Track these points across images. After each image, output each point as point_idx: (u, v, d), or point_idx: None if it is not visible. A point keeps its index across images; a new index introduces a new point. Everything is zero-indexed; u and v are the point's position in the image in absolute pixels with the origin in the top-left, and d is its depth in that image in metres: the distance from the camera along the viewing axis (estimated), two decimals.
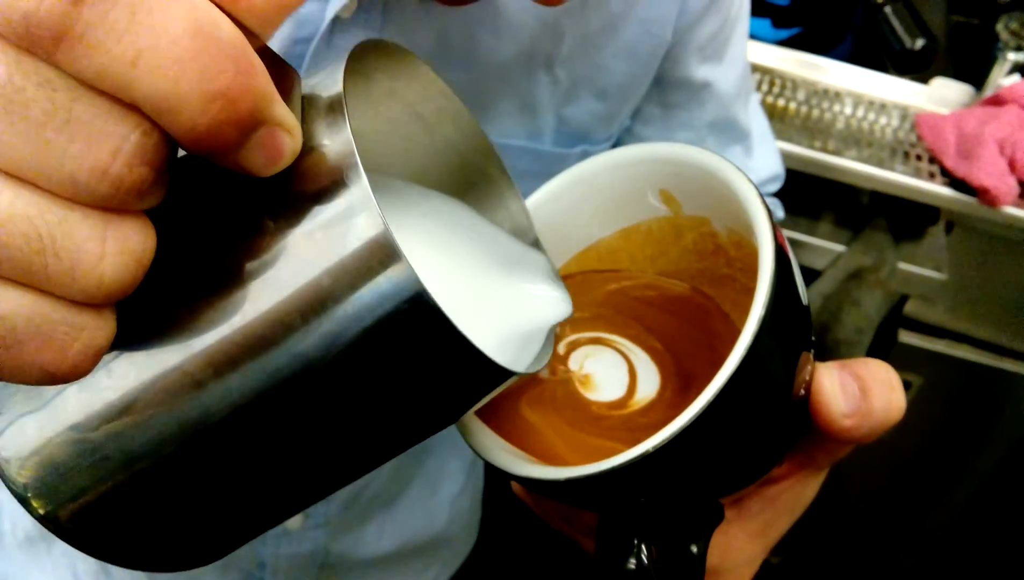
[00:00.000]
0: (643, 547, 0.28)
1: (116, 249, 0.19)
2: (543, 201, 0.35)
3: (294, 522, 0.58)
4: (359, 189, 0.21)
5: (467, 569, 0.78)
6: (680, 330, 0.34)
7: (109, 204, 0.19)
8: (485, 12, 0.43)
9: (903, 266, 1.10)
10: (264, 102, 0.19)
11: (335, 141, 0.21)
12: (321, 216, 0.21)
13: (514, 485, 0.41)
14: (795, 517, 0.35)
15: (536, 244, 0.33)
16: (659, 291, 0.36)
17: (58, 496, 0.23)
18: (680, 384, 0.32)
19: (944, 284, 1.10)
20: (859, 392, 0.29)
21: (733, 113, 0.59)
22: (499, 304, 0.30)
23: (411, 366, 0.23)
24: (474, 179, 0.33)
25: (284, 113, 0.20)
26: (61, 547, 0.65)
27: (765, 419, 0.28)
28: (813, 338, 0.30)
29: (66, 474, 0.23)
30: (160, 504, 0.24)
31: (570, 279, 0.36)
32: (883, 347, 1.21)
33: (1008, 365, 1.21)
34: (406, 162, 0.32)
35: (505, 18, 0.43)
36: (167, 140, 0.19)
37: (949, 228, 1.15)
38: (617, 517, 0.29)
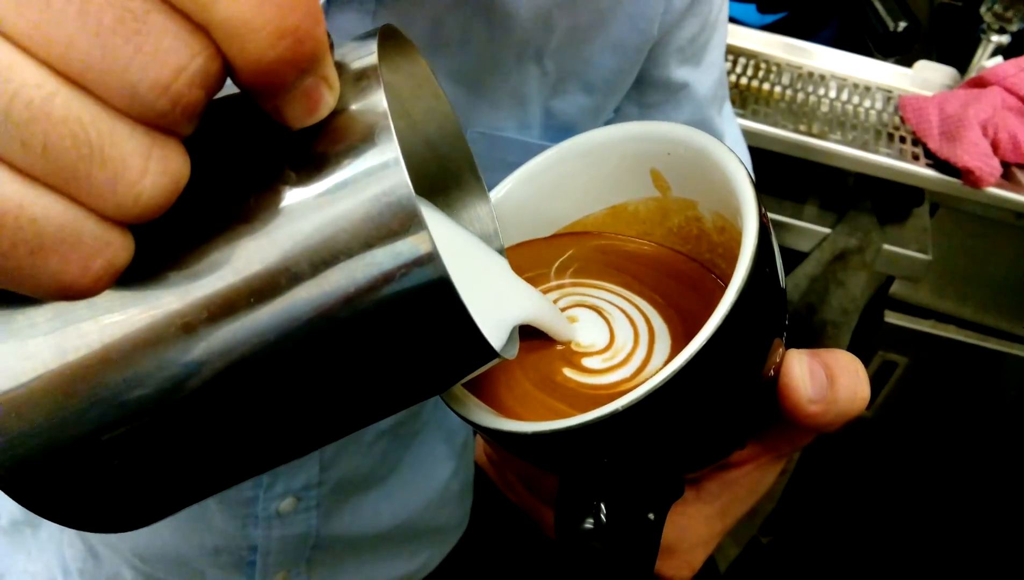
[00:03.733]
0: (602, 507, 0.28)
1: (159, 169, 0.19)
2: (534, 172, 0.35)
3: (286, 505, 0.58)
4: (390, 151, 0.21)
5: (458, 554, 0.79)
6: (671, 288, 0.34)
7: (160, 122, 0.19)
8: (479, 1, 0.43)
9: (888, 247, 1.11)
10: (322, 51, 0.20)
11: (367, 104, 0.22)
12: (346, 173, 0.21)
13: (478, 454, 0.41)
14: (751, 504, 0.36)
15: (501, 252, 0.34)
16: (652, 253, 0.36)
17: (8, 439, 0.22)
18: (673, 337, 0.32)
19: (929, 265, 1.11)
20: (826, 380, 0.30)
21: (708, 116, 0.60)
22: (483, 293, 0.30)
23: (407, 333, 0.23)
24: (448, 183, 0.34)
25: (331, 68, 0.21)
26: (47, 531, 0.64)
27: (733, 394, 0.28)
28: (787, 323, 0.30)
29: (23, 415, 0.22)
30: (123, 457, 0.23)
31: (559, 237, 0.36)
32: (869, 328, 1.22)
33: (992, 344, 1.23)
34: None
35: (499, 8, 0.44)
36: (225, 70, 0.19)
37: (933, 209, 1.16)
38: (579, 477, 0.29)
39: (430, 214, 0.31)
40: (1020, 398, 1.28)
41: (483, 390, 0.31)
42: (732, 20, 1.26)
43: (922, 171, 1.05)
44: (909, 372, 1.26)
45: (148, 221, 0.20)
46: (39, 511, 0.24)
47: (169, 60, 0.18)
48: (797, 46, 1.22)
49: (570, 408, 0.30)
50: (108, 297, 0.21)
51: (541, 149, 0.36)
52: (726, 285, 0.33)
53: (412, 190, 0.21)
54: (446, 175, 0.33)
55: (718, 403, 0.28)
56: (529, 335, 0.33)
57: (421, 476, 0.68)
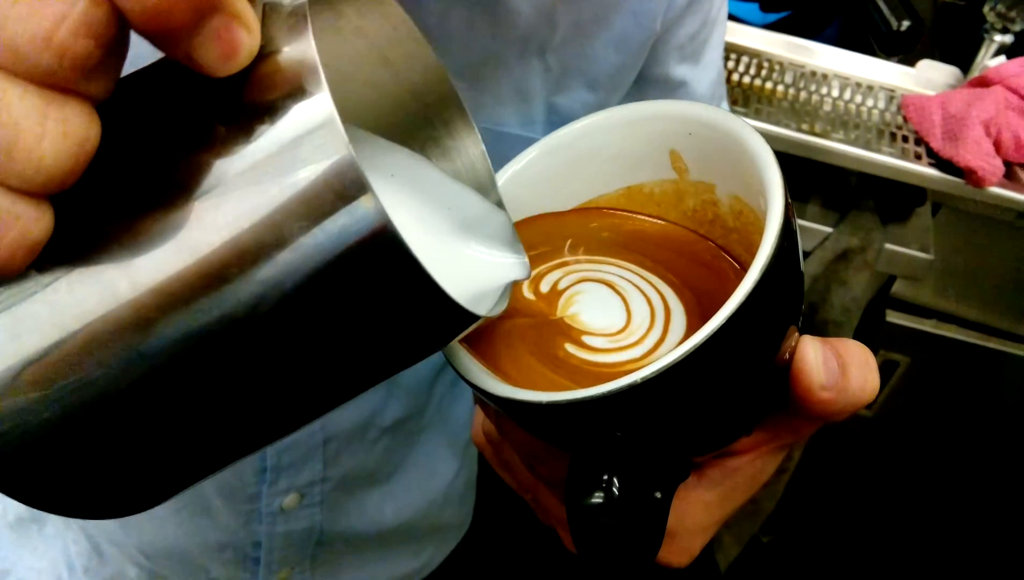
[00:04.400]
0: (615, 482, 0.28)
1: (57, 131, 0.18)
2: (556, 146, 0.35)
3: (290, 501, 0.58)
4: (320, 100, 0.19)
5: (460, 552, 0.79)
6: (686, 268, 0.34)
7: (51, 80, 0.17)
8: None
9: (890, 247, 1.11)
10: None
11: (295, 47, 0.20)
12: (277, 128, 0.20)
13: (474, 431, 0.41)
14: (750, 493, 0.36)
15: (499, 204, 0.32)
16: (668, 233, 0.36)
17: None
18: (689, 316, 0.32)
19: (931, 264, 1.11)
20: (838, 368, 0.30)
21: None
22: (459, 259, 0.29)
23: (366, 298, 0.21)
24: (438, 131, 0.32)
25: (242, 5, 0.19)
26: (53, 528, 0.65)
27: (748, 376, 0.28)
28: (804, 309, 0.30)
29: None
30: (95, 440, 0.22)
31: (573, 213, 0.36)
32: (871, 327, 1.22)
33: (994, 344, 1.23)
34: (370, 109, 0.31)
35: (502, 4, 0.44)
36: (117, 17, 0.17)
37: (936, 209, 1.16)
38: (591, 451, 0.29)
39: (399, 170, 0.29)
40: (1021, 398, 1.29)
41: (486, 361, 0.31)
42: (735, 19, 1.26)
43: (924, 170, 1.05)
44: (910, 371, 1.26)
45: (60, 188, 0.18)
46: (21, 498, 0.23)
47: (48, 9, 0.17)
48: (800, 45, 1.22)
49: (574, 384, 0.30)
50: (54, 276, 0.20)
51: None
52: (741, 268, 0.33)
53: (346, 140, 0.19)
54: (435, 123, 0.32)
55: (733, 383, 0.28)
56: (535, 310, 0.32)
57: (424, 475, 0.68)
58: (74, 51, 0.17)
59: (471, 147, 0.32)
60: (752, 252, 0.31)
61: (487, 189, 0.32)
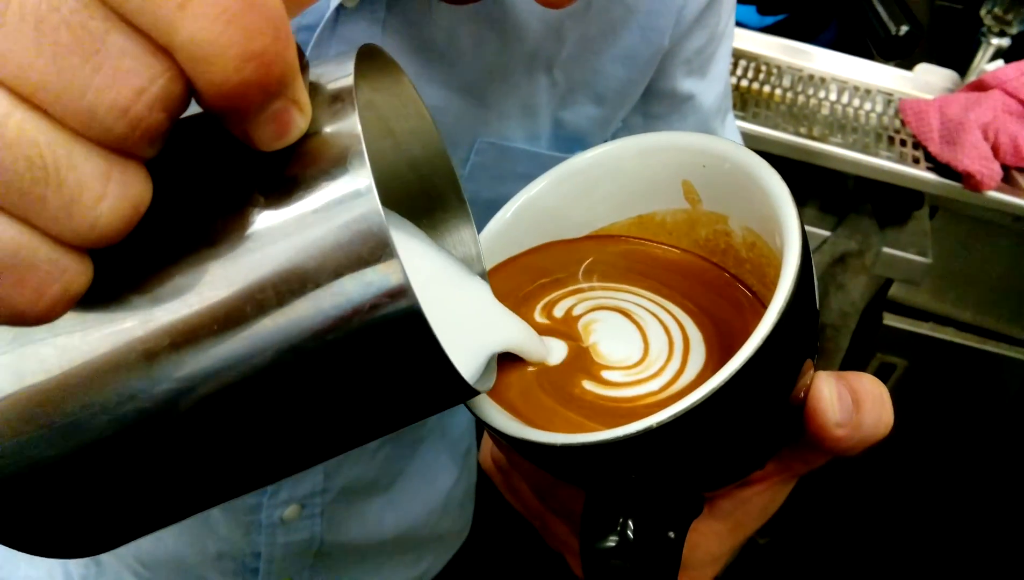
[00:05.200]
0: (629, 524, 0.28)
1: (117, 193, 0.18)
2: (568, 174, 0.35)
3: (290, 512, 0.58)
4: (362, 176, 0.20)
5: (459, 560, 0.79)
6: (702, 295, 0.34)
7: (119, 145, 0.18)
8: (492, 11, 0.43)
9: (888, 250, 1.11)
10: (291, 74, 0.19)
11: (341, 128, 0.21)
12: (316, 198, 0.20)
13: (483, 456, 0.41)
14: (761, 522, 0.36)
15: (483, 276, 0.33)
16: (683, 261, 0.36)
17: None
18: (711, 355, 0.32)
19: (928, 268, 1.11)
20: (852, 405, 0.30)
21: (712, 128, 0.60)
22: (457, 325, 0.29)
23: (377, 364, 0.22)
24: (432, 205, 0.33)
25: (302, 91, 0.20)
26: None
27: (764, 415, 0.28)
28: (819, 345, 0.30)
29: None
30: (83, 483, 0.22)
31: (586, 240, 0.36)
32: (868, 331, 1.22)
33: (991, 347, 1.23)
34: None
35: (511, 18, 0.43)
36: (188, 93, 0.18)
37: (933, 213, 1.16)
38: (605, 491, 0.29)
39: (406, 239, 0.30)
40: (1019, 401, 1.29)
41: (499, 397, 0.31)
42: None
43: (922, 174, 1.05)
44: (908, 375, 1.26)
45: (107, 246, 0.19)
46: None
47: (129, 82, 0.17)
48: (797, 48, 1.22)
49: (588, 420, 0.30)
50: (68, 321, 0.21)
51: (550, 159, 0.36)
52: (754, 297, 0.33)
53: (383, 218, 0.20)
54: (430, 196, 0.33)
55: (748, 423, 0.28)
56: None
57: (424, 484, 0.68)
58: (148, 123, 0.18)
59: (462, 222, 0.33)
60: (765, 284, 0.31)
61: (473, 263, 0.33)
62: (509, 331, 0.31)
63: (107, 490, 0.23)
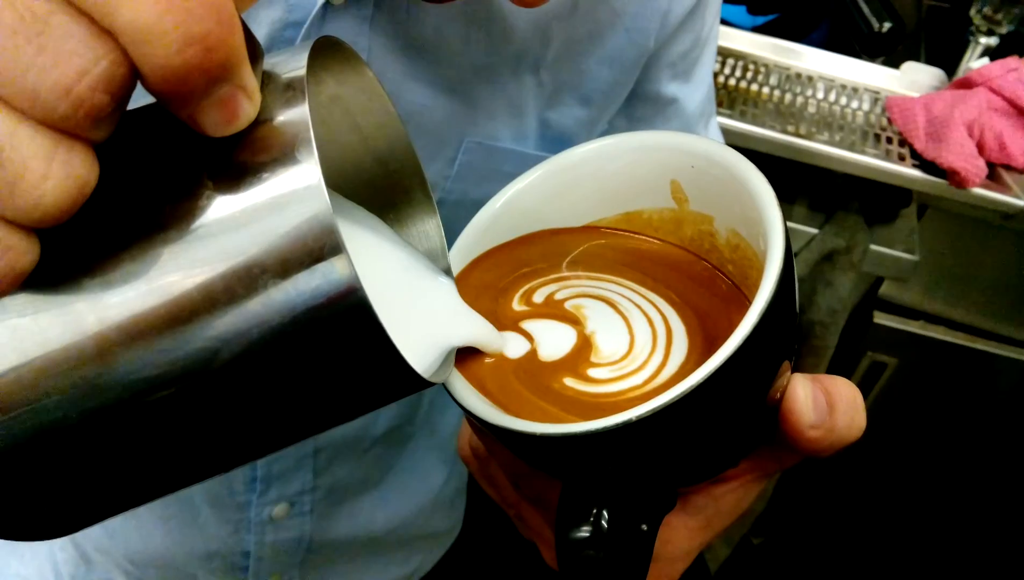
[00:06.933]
0: (604, 515, 0.29)
1: (61, 172, 0.18)
2: (553, 171, 0.36)
3: (279, 510, 0.58)
4: (310, 166, 0.20)
5: (450, 558, 0.79)
6: (686, 286, 0.34)
7: (63, 125, 0.18)
8: (479, 11, 0.43)
9: (876, 248, 1.11)
10: (236, 59, 0.19)
11: (292, 116, 0.21)
12: (264, 188, 0.21)
13: (460, 445, 0.41)
14: (732, 519, 0.36)
15: (448, 271, 0.33)
16: (672, 255, 0.36)
17: None
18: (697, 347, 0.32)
19: (917, 265, 1.11)
20: (826, 407, 0.30)
21: (695, 132, 0.61)
22: (410, 321, 0.30)
23: (327, 355, 0.22)
24: (398, 197, 0.33)
25: (249, 77, 0.20)
26: None
27: (741, 412, 0.29)
28: (797, 347, 0.30)
29: None
30: (38, 466, 0.22)
31: (572, 231, 0.36)
32: (858, 329, 1.23)
33: (981, 345, 1.24)
34: (337, 172, 0.32)
35: (498, 19, 0.44)
36: (133, 75, 0.19)
37: (921, 210, 1.16)
38: (581, 482, 0.29)
39: (362, 231, 0.30)
40: (1010, 399, 1.29)
41: (481, 385, 0.31)
42: (722, 21, 1.26)
43: (909, 172, 1.06)
44: (898, 373, 1.27)
45: (53, 225, 0.19)
46: None
47: (71, 63, 0.18)
48: (785, 47, 1.23)
49: (567, 413, 0.30)
50: (20, 302, 0.21)
51: (537, 159, 0.36)
52: (739, 290, 0.33)
53: (330, 207, 0.20)
54: (396, 190, 0.33)
55: (725, 421, 0.28)
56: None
57: (414, 482, 0.68)
58: (91, 103, 0.18)
59: (427, 216, 0.33)
60: (747, 285, 0.32)
61: (438, 257, 0.33)
62: (464, 325, 0.31)
63: (61, 471, 0.23)
